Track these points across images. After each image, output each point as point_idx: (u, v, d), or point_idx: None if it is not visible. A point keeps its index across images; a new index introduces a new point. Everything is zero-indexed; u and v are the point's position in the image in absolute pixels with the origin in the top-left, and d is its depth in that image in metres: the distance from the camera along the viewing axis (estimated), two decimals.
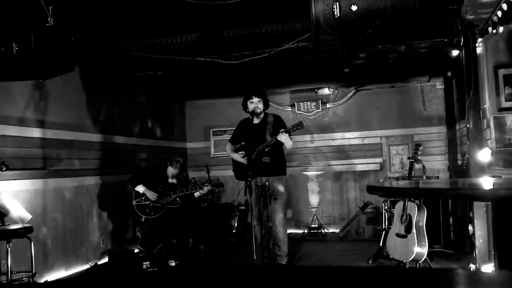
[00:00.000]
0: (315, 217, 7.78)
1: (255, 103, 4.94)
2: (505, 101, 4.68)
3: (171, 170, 5.85)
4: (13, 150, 4.65)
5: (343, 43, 3.52)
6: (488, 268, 4.22)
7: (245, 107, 5.05)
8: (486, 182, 2.79)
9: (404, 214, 4.63)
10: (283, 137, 4.60)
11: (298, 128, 4.59)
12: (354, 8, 3.32)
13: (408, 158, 5.54)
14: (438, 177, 6.83)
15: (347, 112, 8.00)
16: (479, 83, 4.64)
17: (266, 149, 4.80)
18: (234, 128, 5.34)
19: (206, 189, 5.77)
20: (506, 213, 2.16)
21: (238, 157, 5.00)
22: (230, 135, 5.42)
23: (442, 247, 5.71)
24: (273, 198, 4.90)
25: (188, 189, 5.75)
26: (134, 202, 5.65)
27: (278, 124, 4.95)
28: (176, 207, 5.74)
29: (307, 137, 8.06)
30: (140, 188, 5.62)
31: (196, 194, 5.81)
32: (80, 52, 4.83)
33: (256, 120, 5.01)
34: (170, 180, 5.86)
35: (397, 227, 4.69)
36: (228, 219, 7.69)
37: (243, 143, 5.12)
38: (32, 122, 4.94)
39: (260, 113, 4.98)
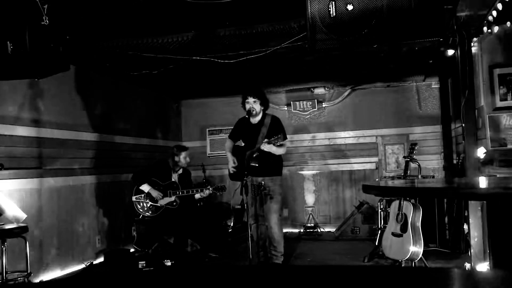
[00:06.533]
0: (311, 216, 7.79)
1: (251, 104, 4.91)
2: (500, 100, 4.70)
3: (183, 158, 5.72)
4: (8, 149, 4.63)
5: (339, 43, 3.52)
6: (483, 267, 4.24)
7: (243, 106, 5.05)
8: (481, 181, 2.80)
9: (400, 213, 4.64)
10: (266, 147, 4.67)
11: (280, 140, 4.63)
12: (350, 7, 3.33)
13: (404, 157, 5.56)
14: (433, 176, 6.86)
15: (342, 111, 8.01)
16: (474, 82, 4.65)
17: (255, 155, 4.80)
18: (230, 127, 5.34)
19: (207, 192, 5.66)
20: (501, 212, 2.17)
21: (230, 162, 5.00)
22: (226, 134, 5.41)
23: (437, 246, 5.73)
24: (268, 198, 4.90)
25: (188, 191, 5.65)
26: (133, 198, 5.55)
27: (275, 127, 4.91)
28: (175, 208, 5.68)
29: (303, 136, 8.07)
30: (145, 188, 5.51)
31: (197, 196, 5.71)
32: (76, 51, 4.82)
33: (253, 120, 5.00)
34: (173, 178, 5.72)
35: (393, 226, 4.70)
36: (224, 219, 7.68)
37: (241, 140, 5.12)
38: (27, 121, 4.92)
39: (256, 114, 4.95)
